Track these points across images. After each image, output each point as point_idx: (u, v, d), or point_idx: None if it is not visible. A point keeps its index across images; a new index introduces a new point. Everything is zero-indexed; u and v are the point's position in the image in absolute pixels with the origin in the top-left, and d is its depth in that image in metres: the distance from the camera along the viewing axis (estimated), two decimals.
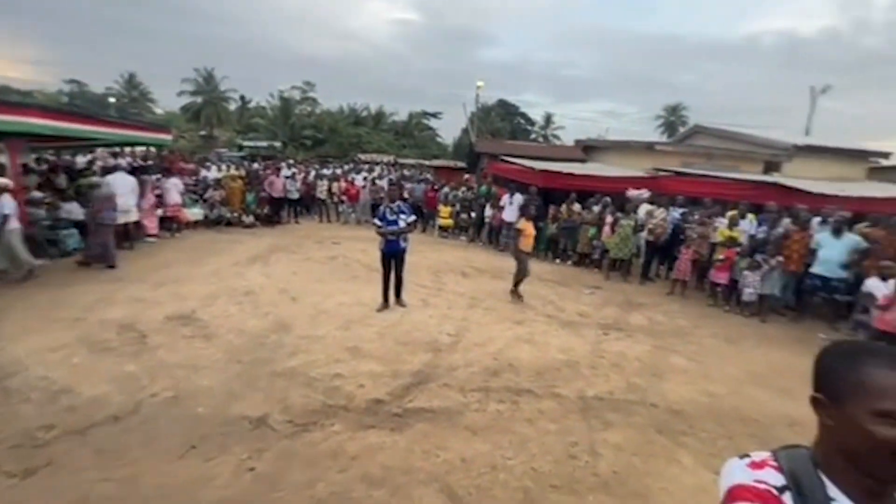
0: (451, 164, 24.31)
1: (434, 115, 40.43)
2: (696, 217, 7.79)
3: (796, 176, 10.61)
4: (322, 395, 3.56)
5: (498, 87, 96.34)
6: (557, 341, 5.11)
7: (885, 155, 13.75)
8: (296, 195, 12.45)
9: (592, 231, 9.07)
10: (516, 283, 6.59)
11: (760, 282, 6.37)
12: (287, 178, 12.49)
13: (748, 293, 6.45)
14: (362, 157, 27.58)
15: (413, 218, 6.05)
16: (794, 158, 12.33)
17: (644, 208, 8.69)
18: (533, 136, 40.41)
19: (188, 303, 5.48)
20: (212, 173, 13.53)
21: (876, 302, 4.97)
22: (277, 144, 30.04)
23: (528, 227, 6.47)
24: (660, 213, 8.23)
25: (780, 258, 6.35)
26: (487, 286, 7.24)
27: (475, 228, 11.68)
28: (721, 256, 6.77)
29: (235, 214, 11.30)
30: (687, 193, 9.40)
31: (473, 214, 11.65)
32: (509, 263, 9.04)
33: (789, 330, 6.19)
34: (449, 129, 48.56)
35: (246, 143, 29.53)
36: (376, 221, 5.80)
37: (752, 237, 7.13)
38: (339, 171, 15.56)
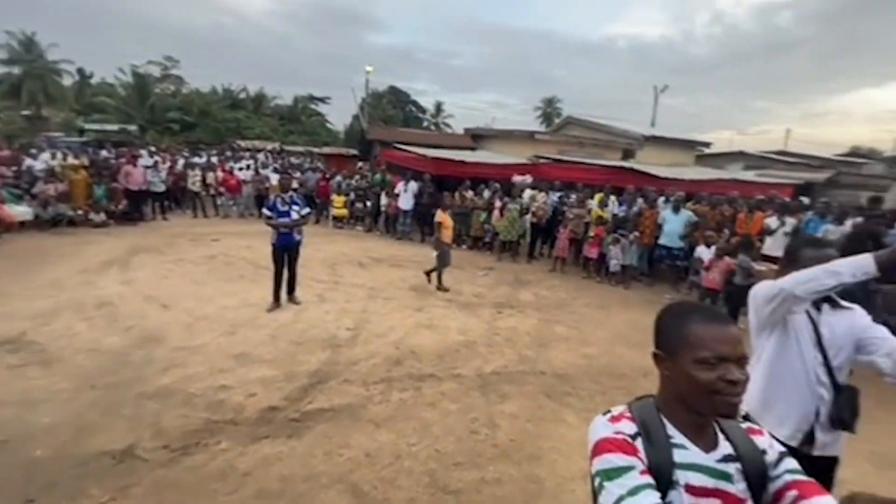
0: (343, 151, 23.37)
1: (322, 100, 38.31)
2: (573, 199, 8.67)
3: (646, 162, 12.43)
4: (205, 412, 3.20)
5: (388, 74, 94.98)
6: (456, 324, 5.31)
7: (707, 144, 16.89)
8: (161, 187, 10.83)
9: (484, 216, 9.54)
10: (430, 273, 6.68)
11: (622, 254, 7.39)
12: (148, 167, 10.78)
13: (613, 265, 7.44)
14: (242, 143, 25.00)
15: (307, 210, 5.71)
16: (644, 147, 14.40)
17: (528, 193, 9.39)
18: (425, 124, 40.77)
19: (15, 323, 4.46)
20: (40, 163, 11.02)
21: (702, 265, 6.11)
22: (133, 128, 25.60)
23: (447, 219, 6.59)
24: (541, 196, 8.98)
25: (637, 233, 7.43)
26: (386, 276, 7.19)
27: (371, 218, 11.48)
28: (592, 234, 7.66)
29: (80, 212, 9.43)
30: (563, 178, 10.41)
31: (369, 203, 11.43)
32: (408, 251, 9.14)
33: (645, 294, 7.29)
34: (339, 115, 46.57)
35: (90, 127, 24.61)
36: (266, 213, 5.35)
37: (614, 216, 8.19)
38: (214, 160, 13.90)
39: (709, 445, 0.93)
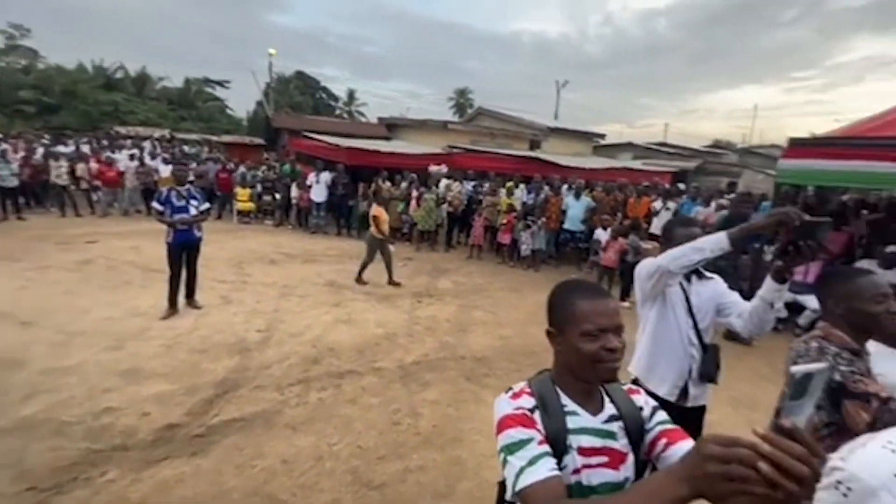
0: (247, 140, 21.53)
1: (220, 84, 34.71)
2: (486, 188, 8.97)
3: (551, 152, 13.29)
4: (84, 441, 2.78)
5: (295, 58, 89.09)
6: (375, 317, 5.24)
7: (602, 136, 18.54)
8: (13, 182, 9.05)
9: (401, 206, 9.48)
10: (390, 274, 6.54)
11: (532, 240, 7.85)
12: None
13: (524, 249, 7.89)
14: (122, 130, 21.79)
15: (207, 205, 5.19)
16: (548, 138, 15.36)
17: (444, 182, 9.52)
18: (338, 112, 39.19)
19: None
20: None
21: (601, 246, 6.74)
22: None
23: (383, 213, 6.40)
24: (456, 186, 9.16)
25: (544, 219, 7.94)
26: (300, 272, 6.84)
27: (282, 211, 10.80)
28: (504, 221, 8.02)
29: None
30: (476, 168, 10.71)
31: (278, 196, 10.72)
32: (323, 245, 8.77)
33: (553, 275, 7.83)
34: (241, 101, 42.92)
35: None
36: (157, 207, 4.75)
37: (524, 204, 8.65)
38: (86, 149, 11.96)
39: (596, 409, 1.03)
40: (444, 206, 9.14)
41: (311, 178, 9.83)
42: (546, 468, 0.88)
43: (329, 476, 2.64)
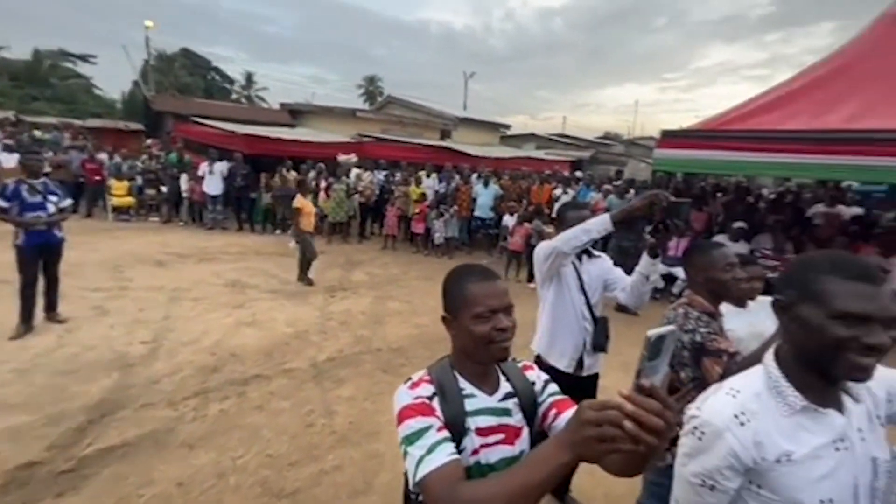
0: (121, 125, 18.68)
1: (83, 59, 29.56)
2: (398, 178, 8.88)
3: (460, 142, 13.59)
4: None
5: (180, 34, 78.75)
6: (284, 316, 4.93)
7: (508, 127, 19.45)
8: None
9: (309, 197, 8.99)
10: (303, 268, 6.03)
11: (445, 228, 7.98)
12: None
13: (438, 238, 8.01)
14: None
15: (69, 201, 4.40)
16: (458, 127, 15.67)
17: (354, 172, 9.23)
18: (234, 96, 35.81)
19: None
20: None
21: (509, 231, 7.08)
22: None
23: (308, 205, 5.93)
24: (367, 175, 8.94)
25: (456, 207, 8.10)
26: (195, 273, 6.17)
27: (170, 206, 9.63)
28: (417, 210, 8.03)
29: None
30: (388, 157, 10.56)
31: (164, 189, 9.52)
32: (221, 242, 8.00)
33: (467, 261, 8.04)
34: (113, 80, 37.05)
35: None
36: (2, 205, 3.91)
37: (436, 192, 8.74)
38: None
39: (493, 388, 1.06)
40: (356, 196, 8.87)
41: (204, 168, 8.88)
42: (445, 454, 0.88)
43: (234, 492, 2.44)
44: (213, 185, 8.88)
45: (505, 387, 1.08)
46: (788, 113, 4.95)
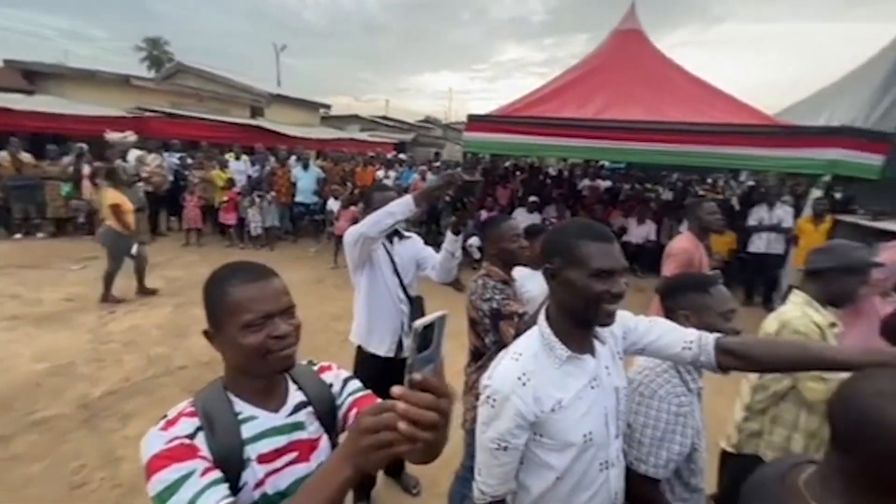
0: None
1: None
2: (195, 161, 7.54)
3: (275, 121, 12.35)
4: None
5: None
6: (32, 348, 3.70)
7: (329, 107, 18.58)
8: None
9: (67, 188, 6.96)
10: (108, 283, 4.73)
11: (262, 216, 7.18)
12: None
13: (254, 228, 7.16)
14: None
15: None
16: (271, 105, 14.20)
17: (133, 154, 7.44)
18: None
19: None
20: None
21: (333, 216, 6.79)
22: None
23: (125, 202, 4.53)
24: (152, 158, 7.33)
25: (273, 193, 7.35)
26: None
27: None
28: (224, 199, 7.00)
29: None
30: (182, 137, 8.89)
31: None
32: None
33: (292, 251, 7.46)
34: None
35: None
36: None
37: (249, 177, 7.76)
38: None
39: (278, 403, 0.92)
40: (140, 185, 7.19)
41: None
42: (213, 501, 0.71)
43: None
44: None
45: (295, 397, 0.94)
46: (560, 103, 5.97)
